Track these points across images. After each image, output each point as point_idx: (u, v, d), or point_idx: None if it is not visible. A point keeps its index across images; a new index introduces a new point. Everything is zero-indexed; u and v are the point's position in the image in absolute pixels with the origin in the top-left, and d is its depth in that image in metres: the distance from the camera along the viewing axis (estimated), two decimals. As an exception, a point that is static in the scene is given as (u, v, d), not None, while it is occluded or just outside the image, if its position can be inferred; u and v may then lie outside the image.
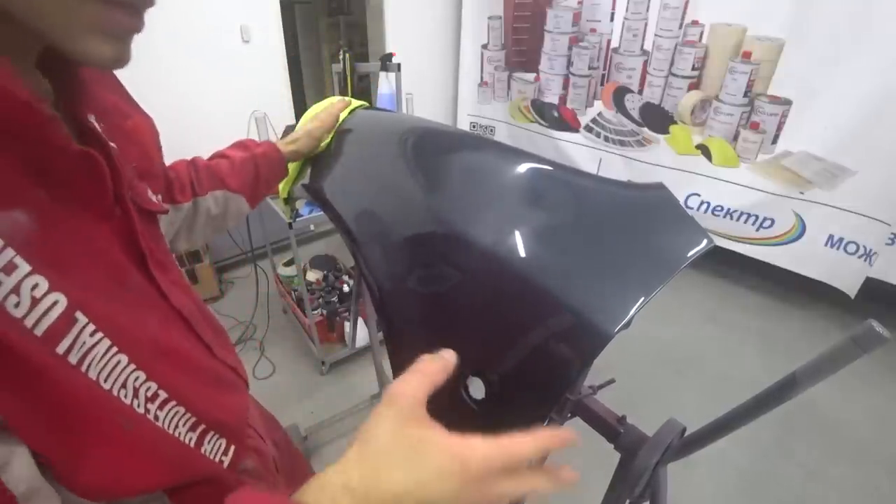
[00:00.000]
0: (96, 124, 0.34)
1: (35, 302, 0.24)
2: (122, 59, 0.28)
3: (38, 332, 0.24)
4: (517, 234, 0.47)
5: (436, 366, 0.32)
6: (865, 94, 1.91)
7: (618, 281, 0.43)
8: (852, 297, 2.16)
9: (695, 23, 2.32)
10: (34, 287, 0.24)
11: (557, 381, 0.42)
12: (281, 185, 0.75)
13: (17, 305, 0.23)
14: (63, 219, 0.28)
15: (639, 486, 0.51)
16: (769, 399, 0.38)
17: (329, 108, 0.71)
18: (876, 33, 1.83)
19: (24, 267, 0.24)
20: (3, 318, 0.23)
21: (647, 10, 2.45)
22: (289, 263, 2.36)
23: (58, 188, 0.28)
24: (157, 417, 0.32)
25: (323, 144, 0.71)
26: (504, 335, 0.44)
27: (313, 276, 2.20)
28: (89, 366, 0.27)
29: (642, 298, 0.40)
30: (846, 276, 2.18)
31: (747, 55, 2.19)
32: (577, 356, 0.41)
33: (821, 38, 1.96)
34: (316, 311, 2.00)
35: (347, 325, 2.03)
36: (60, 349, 0.25)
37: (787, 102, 2.14)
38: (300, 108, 2.82)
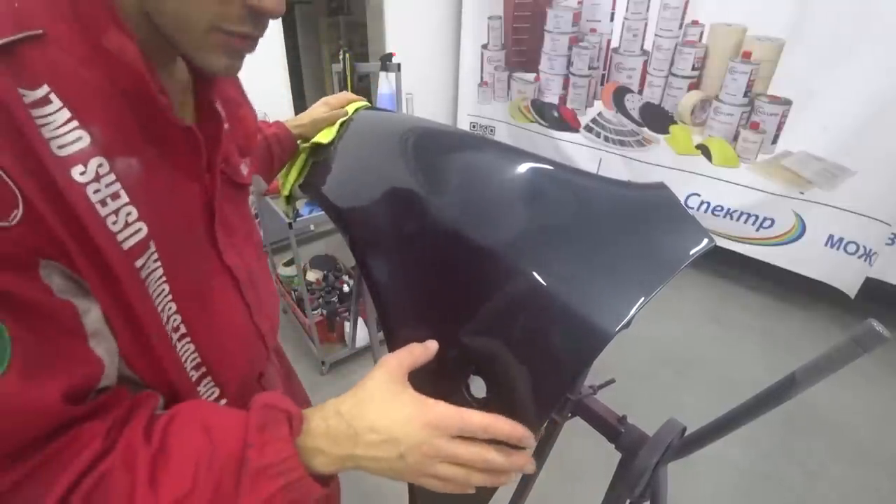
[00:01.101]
0: (220, 108, 0.45)
1: (126, 224, 0.33)
2: (233, 71, 0.39)
3: (125, 246, 0.33)
4: (518, 233, 0.47)
5: (420, 349, 0.43)
6: (865, 95, 1.91)
7: (618, 280, 0.42)
8: (852, 297, 2.16)
9: (695, 23, 2.32)
10: (128, 214, 0.33)
11: (557, 381, 0.42)
12: (282, 184, 0.76)
13: (114, 223, 0.32)
14: (163, 173, 0.38)
15: (639, 486, 0.51)
16: (769, 399, 0.38)
17: (339, 104, 0.75)
18: (876, 33, 1.83)
19: (125, 198, 0.33)
20: (105, 230, 0.32)
21: (647, 10, 2.45)
22: (289, 263, 2.36)
23: (166, 150, 0.38)
24: (174, 346, 0.39)
25: (322, 141, 0.71)
26: (504, 334, 0.44)
27: (313, 276, 2.20)
28: (149, 284, 0.35)
29: (643, 298, 0.40)
30: (846, 276, 2.18)
31: (747, 55, 2.19)
32: (577, 356, 0.41)
33: (821, 38, 1.95)
34: (316, 311, 2.00)
35: (347, 325, 2.03)
36: (138, 264, 0.34)
37: (787, 102, 2.14)
38: (300, 108, 2.81)
